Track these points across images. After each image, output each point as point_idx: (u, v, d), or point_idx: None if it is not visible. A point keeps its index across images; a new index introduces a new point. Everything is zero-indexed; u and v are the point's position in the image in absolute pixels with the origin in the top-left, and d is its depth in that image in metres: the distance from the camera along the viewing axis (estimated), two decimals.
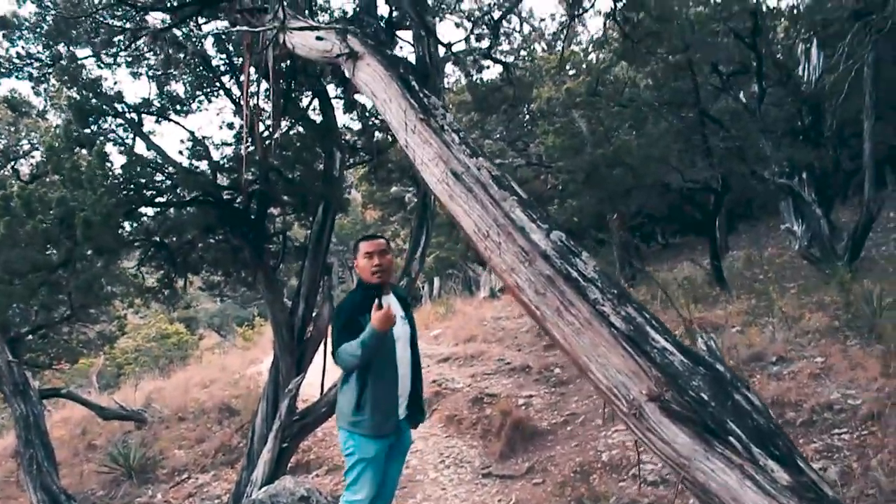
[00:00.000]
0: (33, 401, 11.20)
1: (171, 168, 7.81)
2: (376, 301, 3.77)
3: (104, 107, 7.94)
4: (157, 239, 8.65)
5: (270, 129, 7.65)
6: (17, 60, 8.72)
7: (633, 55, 12.25)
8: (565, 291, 3.57)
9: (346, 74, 4.97)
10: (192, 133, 8.25)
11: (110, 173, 6.82)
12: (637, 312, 3.44)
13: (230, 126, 8.42)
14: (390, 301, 4.06)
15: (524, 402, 10.19)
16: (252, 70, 6.58)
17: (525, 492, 7.41)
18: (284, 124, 8.04)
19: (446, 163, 4.03)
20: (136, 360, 29.27)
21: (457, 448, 9.63)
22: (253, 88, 7.24)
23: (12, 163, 11.64)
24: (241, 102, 7.40)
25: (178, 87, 8.81)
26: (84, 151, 7.45)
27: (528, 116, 20.69)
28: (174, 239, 8.79)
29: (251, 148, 6.92)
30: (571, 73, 17.42)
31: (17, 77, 8.80)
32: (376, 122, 9.94)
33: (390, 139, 10.11)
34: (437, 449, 9.72)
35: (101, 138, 7.55)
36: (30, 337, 13.05)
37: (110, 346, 16.96)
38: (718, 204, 14.82)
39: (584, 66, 16.10)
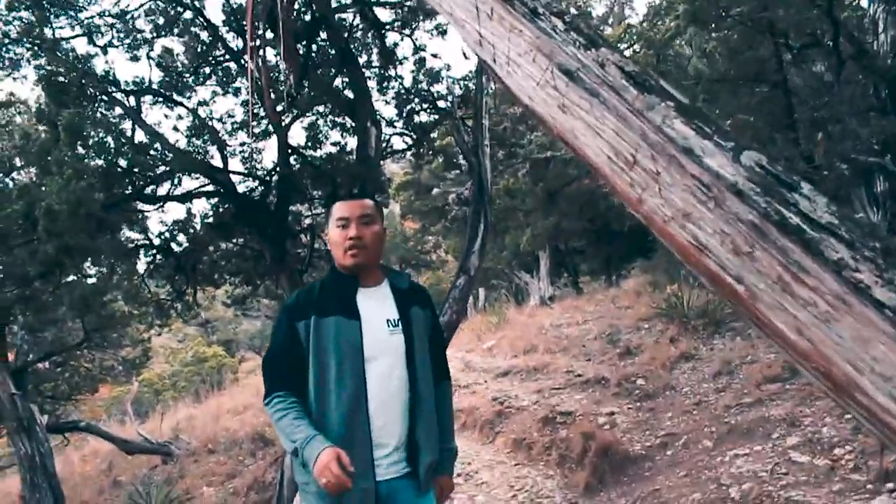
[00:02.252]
0: (39, 437, 9.88)
1: (168, 152, 6.35)
2: (331, 457, 2.29)
3: (88, 86, 6.53)
4: (161, 243, 7.19)
5: (286, 100, 6.19)
6: None
7: (706, 15, 10.64)
8: (788, 249, 1.90)
9: None
10: (192, 110, 6.77)
11: (86, 155, 5.35)
12: None
13: (236, 93, 6.95)
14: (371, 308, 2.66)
15: (606, 422, 8.54)
16: (257, 21, 5.12)
17: None
18: (306, 93, 6.56)
19: (549, 57, 2.45)
20: (174, 385, 28.29)
21: (530, 479, 8.00)
22: (263, 48, 5.77)
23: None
24: (246, 59, 5.90)
25: (180, 62, 7.40)
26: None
27: None
28: (185, 241, 7.32)
29: (261, 113, 5.42)
30: (627, 50, 15.80)
31: None
32: (417, 99, 8.47)
33: (434, 118, 8.62)
34: (505, 480, 8.11)
35: (86, 121, 6.10)
36: (41, 366, 11.80)
37: (135, 372, 15.66)
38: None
39: (642, 40, 14.43)
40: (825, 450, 5.78)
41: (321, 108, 7.09)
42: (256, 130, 5.81)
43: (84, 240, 5.00)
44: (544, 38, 2.52)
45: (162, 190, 6.66)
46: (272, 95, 5.43)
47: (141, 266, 8.39)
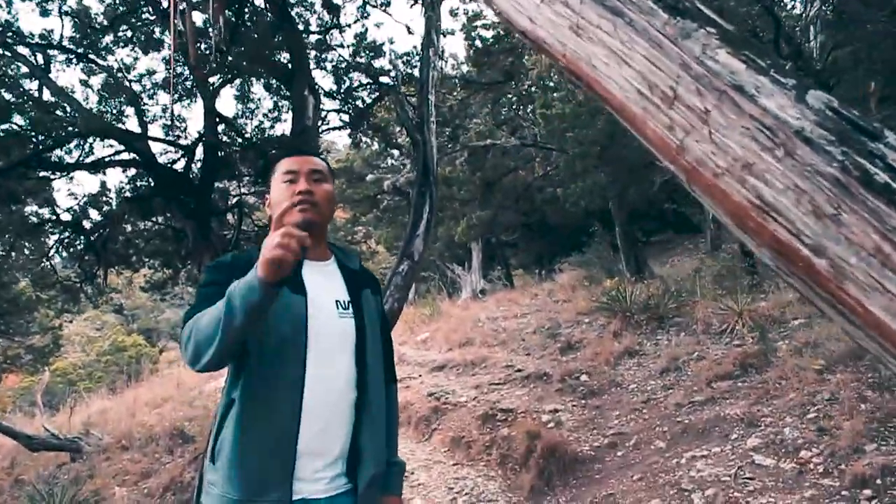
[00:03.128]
0: None
1: (76, 113, 5.59)
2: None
3: None
4: (72, 219, 6.43)
5: (215, 55, 5.52)
6: None
7: None
8: (882, 212, 1.40)
9: None
10: (107, 68, 6.03)
11: None
12: None
13: (158, 47, 6.18)
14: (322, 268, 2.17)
15: (550, 420, 8.10)
16: None
17: None
18: (236, 52, 5.89)
19: None
20: (90, 375, 26.98)
21: (469, 480, 7.50)
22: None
23: None
24: (170, 11, 5.21)
25: (97, 21, 6.61)
26: None
27: (515, 98, 18.84)
28: (98, 216, 6.58)
29: (185, 73, 4.77)
30: None
31: None
32: (357, 73, 7.89)
33: (372, 98, 8.05)
34: (444, 482, 7.58)
35: None
36: None
37: (45, 362, 14.59)
38: None
39: None
40: (790, 452, 5.43)
41: (253, 69, 6.42)
42: (180, 89, 5.13)
43: None
44: None
45: (71, 158, 5.91)
46: (198, 46, 4.78)
47: (48, 244, 7.60)
